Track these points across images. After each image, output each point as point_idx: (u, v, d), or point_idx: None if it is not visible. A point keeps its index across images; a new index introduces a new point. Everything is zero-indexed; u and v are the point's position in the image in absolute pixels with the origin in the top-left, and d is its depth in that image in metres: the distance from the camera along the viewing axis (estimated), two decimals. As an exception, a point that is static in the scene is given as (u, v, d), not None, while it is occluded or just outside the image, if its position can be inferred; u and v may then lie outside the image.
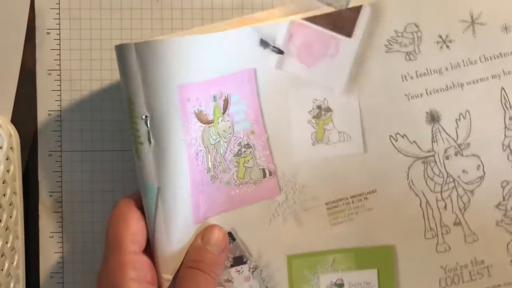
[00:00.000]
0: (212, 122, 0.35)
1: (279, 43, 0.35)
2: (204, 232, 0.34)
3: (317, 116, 0.36)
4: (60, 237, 0.40)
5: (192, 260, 0.33)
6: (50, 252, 0.40)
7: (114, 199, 0.40)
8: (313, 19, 0.35)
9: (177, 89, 0.33)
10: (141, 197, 0.34)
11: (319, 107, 0.36)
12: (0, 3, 0.39)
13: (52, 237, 0.40)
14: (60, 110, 0.40)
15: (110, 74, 0.40)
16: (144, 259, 0.33)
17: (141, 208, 0.34)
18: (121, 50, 0.33)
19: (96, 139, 0.40)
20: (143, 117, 0.33)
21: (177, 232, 0.34)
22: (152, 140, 0.33)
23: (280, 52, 0.35)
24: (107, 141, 0.40)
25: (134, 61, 0.33)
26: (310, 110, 0.36)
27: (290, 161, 0.36)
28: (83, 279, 0.40)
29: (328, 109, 0.36)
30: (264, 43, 0.35)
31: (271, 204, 0.36)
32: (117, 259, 0.32)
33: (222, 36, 0.34)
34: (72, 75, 0.40)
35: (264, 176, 0.36)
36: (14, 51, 0.40)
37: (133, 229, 0.33)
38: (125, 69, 0.33)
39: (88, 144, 0.40)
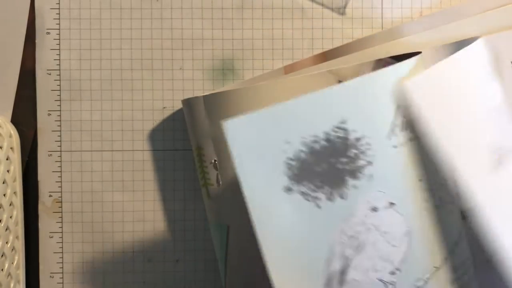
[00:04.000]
0: None
1: None
2: None
3: None
4: (60, 237, 0.40)
5: None
6: (50, 252, 0.40)
7: (114, 199, 0.40)
8: None
9: None
10: None
11: None
12: (0, 3, 0.39)
13: (52, 237, 0.40)
14: (60, 110, 0.40)
15: (110, 74, 0.40)
16: None
17: None
18: (189, 102, 0.36)
19: (96, 139, 0.40)
20: (212, 161, 0.35)
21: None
22: (220, 182, 0.35)
23: None
24: (107, 141, 0.40)
25: (202, 111, 0.35)
26: None
27: None
28: (83, 279, 0.40)
29: None
30: None
31: None
32: None
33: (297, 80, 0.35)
34: (72, 75, 0.40)
35: None
36: (14, 51, 0.40)
37: None
38: (194, 119, 0.36)
39: (88, 144, 0.40)
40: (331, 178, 0.30)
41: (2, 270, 0.37)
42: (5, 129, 0.38)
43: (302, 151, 0.29)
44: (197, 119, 0.36)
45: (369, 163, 0.30)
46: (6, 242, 0.37)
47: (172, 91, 0.40)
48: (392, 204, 0.30)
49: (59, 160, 0.40)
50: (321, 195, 0.30)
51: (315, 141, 0.30)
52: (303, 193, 0.30)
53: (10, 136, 0.38)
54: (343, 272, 0.30)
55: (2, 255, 0.37)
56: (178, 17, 0.40)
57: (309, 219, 0.30)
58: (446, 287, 0.32)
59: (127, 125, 0.40)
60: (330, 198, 0.30)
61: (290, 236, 0.30)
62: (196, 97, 0.36)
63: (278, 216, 0.29)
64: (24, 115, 0.40)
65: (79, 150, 0.40)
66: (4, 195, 0.37)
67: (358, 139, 0.30)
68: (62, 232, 0.40)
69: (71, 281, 0.40)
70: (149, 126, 0.40)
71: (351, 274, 0.30)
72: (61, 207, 0.40)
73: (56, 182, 0.40)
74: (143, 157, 0.40)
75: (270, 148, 0.29)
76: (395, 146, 0.30)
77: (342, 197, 0.30)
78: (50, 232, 0.40)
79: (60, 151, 0.40)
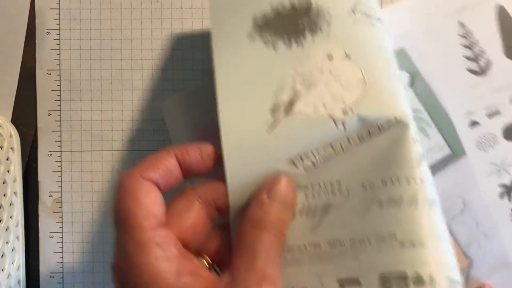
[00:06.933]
0: None
1: None
2: (271, 186, 0.29)
3: None
4: (60, 237, 0.40)
5: (257, 218, 0.28)
6: (50, 252, 0.40)
7: (114, 199, 0.40)
8: None
9: (199, 131, 0.37)
10: (147, 167, 0.30)
11: None
12: (0, 3, 0.39)
13: (52, 237, 0.40)
14: (60, 110, 0.40)
15: (110, 74, 0.40)
16: (166, 232, 0.27)
17: (149, 178, 0.29)
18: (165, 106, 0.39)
19: (96, 139, 0.40)
20: None
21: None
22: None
23: None
24: (107, 141, 0.40)
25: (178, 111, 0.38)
26: None
27: None
28: (83, 279, 0.40)
29: None
30: None
31: None
32: (134, 240, 0.26)
33: None
34: (72, 75, 0.40)
35: None
36: (14, 51, 0.40)
37: (145, 202, 0.27)
38: (172, 121, 0.39)
39: (88, 144, 0.40)
40: (292, 31, 0.33)
41: (2, 270, 0.37)
42: (5, 129, 0.38)
43: (268, 12, 0.34)
44: (175, 120, 0.38)
45: (328, 24, 0.33)
46: (6, 242, 0.37)
47: (172, 91, 0.40)
48: (348, 55, 0.32)
49: (59, 160, 0.40)
50: (280, 42, 0.33)
51: (283, 6, 0.34)
52: (263, 41, 0.33)
53: (10, 136, 0.38)
54: (291, 103, 0.32)
55: (2, 255, 0.37)
56: (178, 17, 0.40)
57: (265, 61, 0.33)
58: (411, 145, 0.30)
59: (127, 125, 0.40)
60: (287, 45, 0.33)
61: (244, 74, 0.32)
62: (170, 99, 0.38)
63: (237, 61, 0.33)
64: (24, 115, 0.40)
65: (79, 150, 0.40)
66: (4, 195, 0.37)
67: (320, 7, 0.33)
68: (62, 232, 0.40)
69: (71, 281, 0.40)
70: (149, 126, 0.40)
71: (299, 107, 0.31)
72: (61, 207, 0.40)
73: (56, 182, 0.40)
74: (143, 157, 0.40)
75: (241, 4, 0.34)
76: (354, 22, 0.33)
77: (299, 45, 0.33)
78: (50, 232, 0.40)
79: (60, 151, 0.40)
